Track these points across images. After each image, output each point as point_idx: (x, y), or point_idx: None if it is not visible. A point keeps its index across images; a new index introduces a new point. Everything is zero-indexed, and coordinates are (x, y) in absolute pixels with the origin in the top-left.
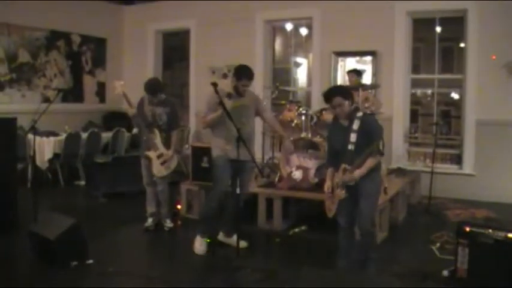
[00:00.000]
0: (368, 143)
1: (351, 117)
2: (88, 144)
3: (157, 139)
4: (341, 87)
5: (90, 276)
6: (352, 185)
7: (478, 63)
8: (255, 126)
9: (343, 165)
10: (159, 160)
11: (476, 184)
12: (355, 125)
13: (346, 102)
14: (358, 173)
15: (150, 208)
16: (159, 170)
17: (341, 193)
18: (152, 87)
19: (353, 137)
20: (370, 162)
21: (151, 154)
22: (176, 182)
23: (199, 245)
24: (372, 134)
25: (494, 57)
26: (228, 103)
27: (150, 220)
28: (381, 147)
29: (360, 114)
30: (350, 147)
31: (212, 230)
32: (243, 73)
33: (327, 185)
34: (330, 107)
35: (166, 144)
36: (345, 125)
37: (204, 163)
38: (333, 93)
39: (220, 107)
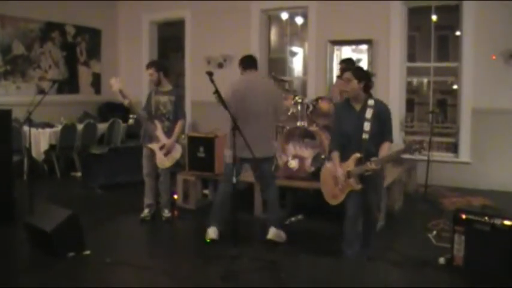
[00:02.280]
0: (380, 130)
1: (363, 103)
2: (84, 135)
3: (159, 130)
4: (358, 67)
5: (87, 267)
6: (363, 176)
7: (473, 52)
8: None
9: (357, 155)
10: (161, 151)
11: (472, 172)
12: (368, 114)
13: (355, 81)
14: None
15: (148, 199)
16: (162, 161)
17: (356, 185)
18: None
19: (367, 126)
20: (388, 148)
21: (154, 146)
22: (173, 172)
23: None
24: (385, 122)
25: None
26: None
27: (146, 211)
28: (392, 132)
29: (372, 102)
30: (364, 136)
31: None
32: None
33: (341, 172)
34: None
35: (169, 133)
36: (357, 109)
37: (200, 153)
38: (348, 68)
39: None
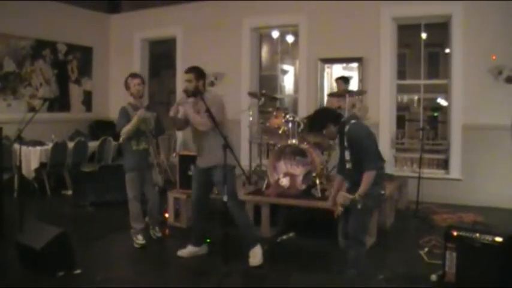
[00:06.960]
0: (357, 158)
1: (340, 132)
2: (75, 153)
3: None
4: (321, 112)
5: (78, 286)
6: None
7: (463, 68)
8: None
9: (345, 184)
10: (158, 168)
11: (463, 188)
12: (345, 141)
13: (332, 126)
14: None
15: (139, 224)
16: (157, 177)
17: (338, 209)
18: None
19: (347, 155)
20: (366, 179)
21: (160, 160)
22: (164, 190)
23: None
24: (357, 149)
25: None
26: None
27: (141, 237)
28: (370, 159)
29: (346, 128)
30: (348, 165)
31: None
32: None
33: (332, 196)
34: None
35: (157, 150)
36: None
37: (190, 171)
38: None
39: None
